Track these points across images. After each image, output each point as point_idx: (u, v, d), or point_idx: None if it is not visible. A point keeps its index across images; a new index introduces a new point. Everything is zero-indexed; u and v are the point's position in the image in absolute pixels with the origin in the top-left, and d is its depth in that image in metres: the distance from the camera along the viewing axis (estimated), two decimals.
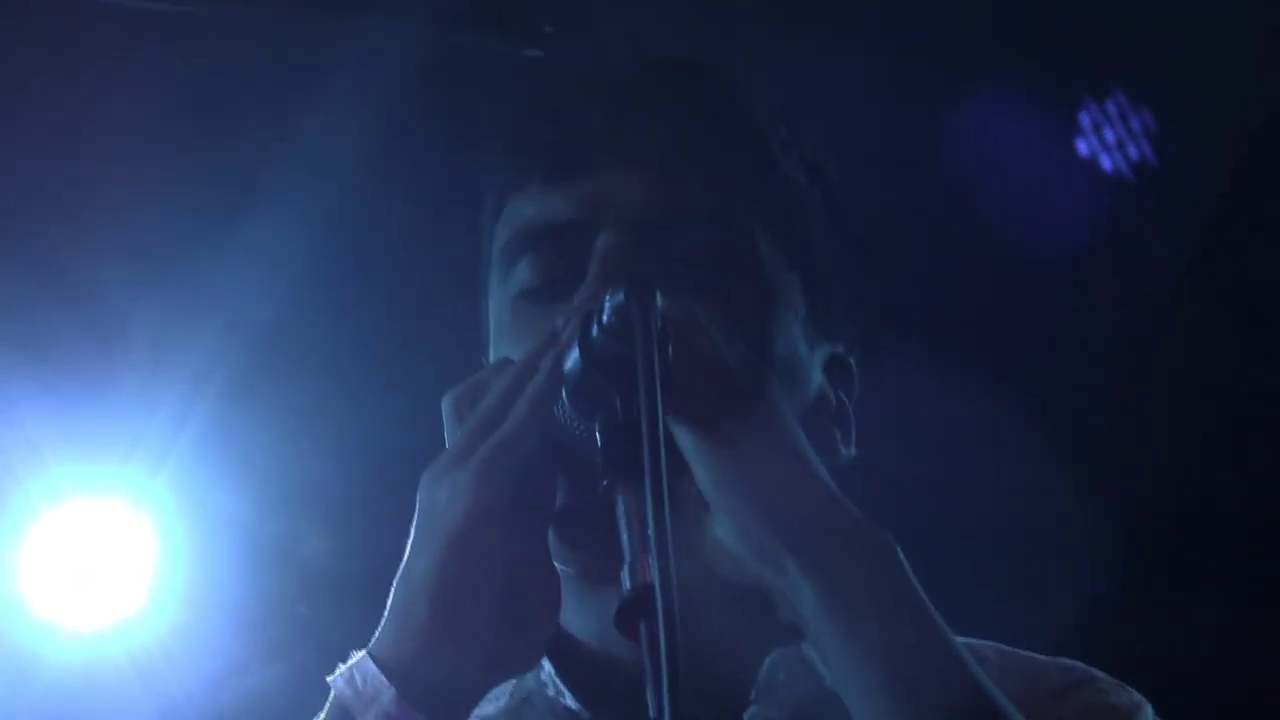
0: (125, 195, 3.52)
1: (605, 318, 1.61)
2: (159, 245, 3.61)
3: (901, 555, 1.66)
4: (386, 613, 1.70)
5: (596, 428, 1.63)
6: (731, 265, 1.86)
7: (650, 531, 1.46)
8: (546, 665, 1.87)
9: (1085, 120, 3.89)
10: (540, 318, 1.83)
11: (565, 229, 1.86)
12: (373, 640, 1.70)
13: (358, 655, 1.68)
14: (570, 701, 1.86)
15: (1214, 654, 3.66)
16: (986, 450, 3.62)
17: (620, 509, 1.54)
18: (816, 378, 1.93)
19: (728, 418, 1.67)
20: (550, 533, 1.76)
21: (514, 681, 1.88)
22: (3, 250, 3.60)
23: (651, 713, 1.39)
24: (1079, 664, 1.91)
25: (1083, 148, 3.90)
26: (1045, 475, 3.69)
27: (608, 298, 1.62)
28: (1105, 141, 3.89)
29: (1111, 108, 3.87)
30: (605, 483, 1.58)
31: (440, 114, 3.45)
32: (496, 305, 1.93)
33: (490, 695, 1.80)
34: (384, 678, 1.64)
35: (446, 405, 1.77)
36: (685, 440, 1.66)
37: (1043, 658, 1.92)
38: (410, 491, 1.73)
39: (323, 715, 1.70)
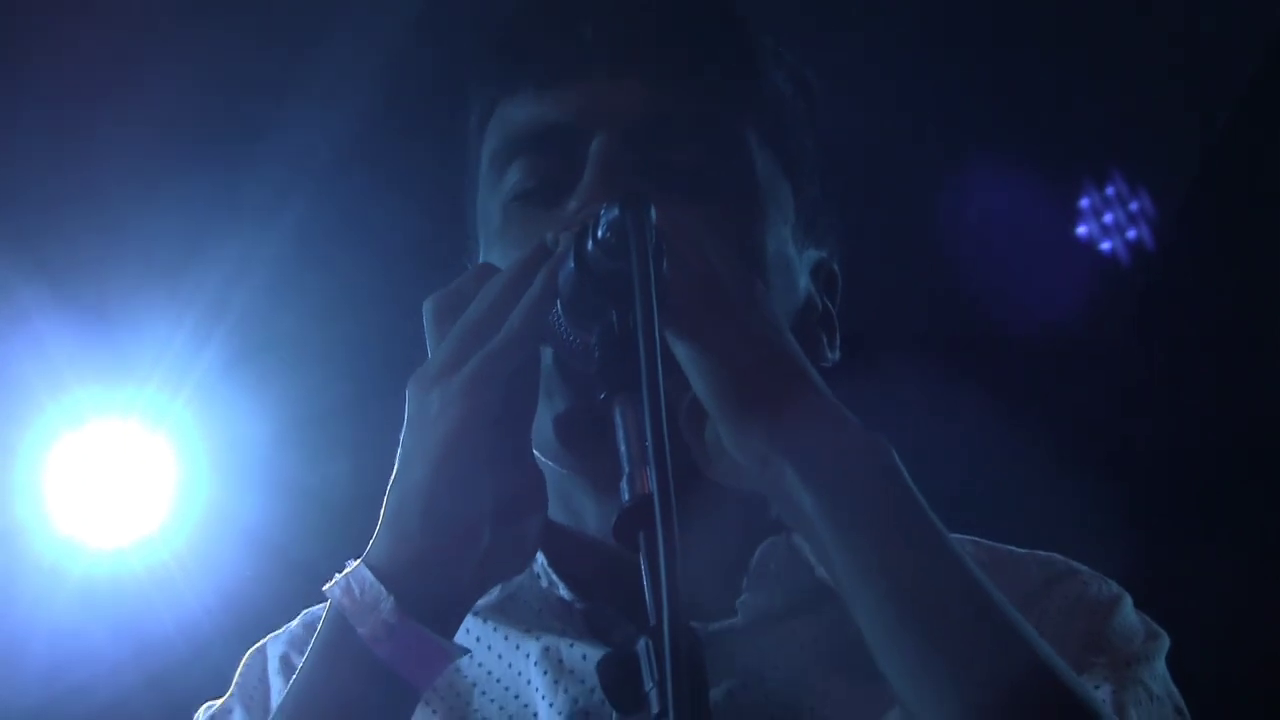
0: (145, 120, 3.45)
1: (600, 232, 1.53)
2: (179, 168, 3.54)
3: (896, 457, 1.59)
4: (380, 521, 1.64)
5: (593, 340, 1.56)
6: (724, 172, 1.80)
7: (649, 443, 1.39)
8: (539, 557, 1.81)
9: (1085, 204, 3.84)
10: (534, 220, 1.77)
11: (558, 132, 1.79)
12: (368, 548, 1.63)
13: (353, 564, 1.62)
14: (563, 592, 1.80)
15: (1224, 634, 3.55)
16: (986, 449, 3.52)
17: (618, 420, 1.48)
18: (804, 283, 1.87)
19: (721, 328, 1.60)
20: (551, 437, 1.71)
21: None
22: (26, 179, 3.53)
23: (651, 620, 1.33)
24: (1058, 556, 1.86)
25: (1082, 230, 3.84)
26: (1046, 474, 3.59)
27: (603, 211, 1.54)
28: (1104, 224, 3.83)
29: (1111, 192, 3.81)
30: (602, 395, 1.52)
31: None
32: (487, 210, 1.85)
33: None
34: (382, 586, 1.58)
35: (427, 311, 1.69)
36: (680, 351, 1.60)
37: (1022, 551, 1.87)
38: None
39: (321, 625, 1.64)
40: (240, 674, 1.90)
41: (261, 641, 1.91)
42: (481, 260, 1.85)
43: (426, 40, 3.39)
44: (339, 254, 3.66)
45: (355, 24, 3.36)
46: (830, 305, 1.89)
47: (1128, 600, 1.81)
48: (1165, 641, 1.79)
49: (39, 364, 3.68)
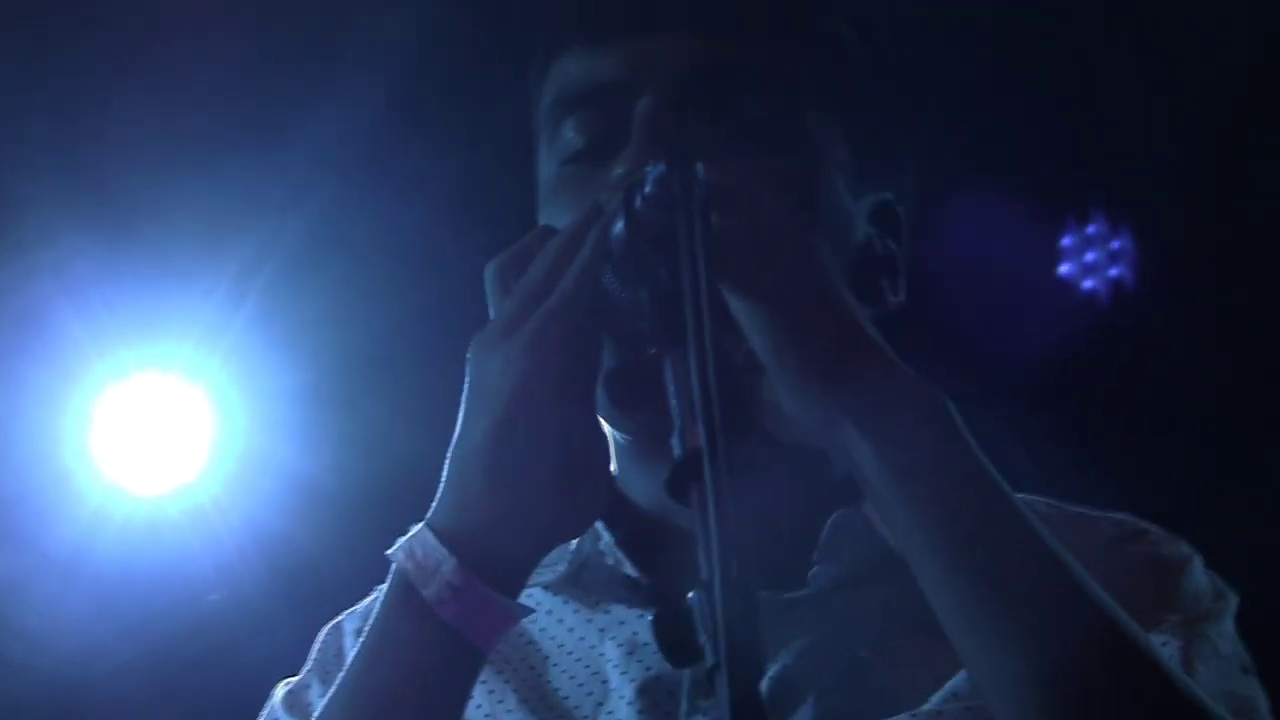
0: (186, 83, 3.32)
1: (648, 188, 1.42)
2: (219, 131, 3.41)
3: (955, 411, 1.45)
4: (442, 484, 1.51)
5: (644, 296, 1.44)
6: (773, 125, 1.64)
7: (697, 397, 1.27)
8: (605, 535, 1.68)
9: (1067, 243, 3.67)
10: (586, 181, 1.62)
11: (608, 89, 1.64)
12: (430, 512, 1.51)
13: (416, 528, 1.50)
14: (629, 569, 1.67)
15: None
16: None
17: (669, 375, 1.36)
18: (862, 228, 1.70)
19: (775, 281, 1.46)
20: (602, 396, 1.57)
21: (570, 550, 1.69)
22: (68, 150, 3.41)
23: (702, 574, 1.20)
24: (1130, 517, 1.71)
25: (1064, 269, 3.67)
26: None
27: (649, 168, 1.42)
28: (1085, 263, 3.66)
29: (1092, 230, 3.64)
30: (654, 350, 1.40)
31: None
32: (544, 170, 1.71)
33: (546, 563, 1.60)
34: (444, 549, 1.46)
35: (490, 274, 1.56)
36: (737, 306, 1.46)
37: (1094, 512, 1.71)
38: (463, 357, 1.55)
39: (384, 588, 1.52)
40: (317, 649, 1.77)
41: (338, 618, 1.78)
42: (540, 217, 1.71)
43: (460, 8, 3.26)
44: (377, 208, 3.54)
45: None
46: (894, 246, 1.73)
47: (1197, 560, 1.67)
48: (1234, 600, 1.65)
49: (85, 322, 3.57)
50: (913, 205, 1.77)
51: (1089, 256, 3.68)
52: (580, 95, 1.66)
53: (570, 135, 1.67)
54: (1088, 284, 3.69)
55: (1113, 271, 3.67)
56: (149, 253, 3.52)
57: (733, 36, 1.65)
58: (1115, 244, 3.66)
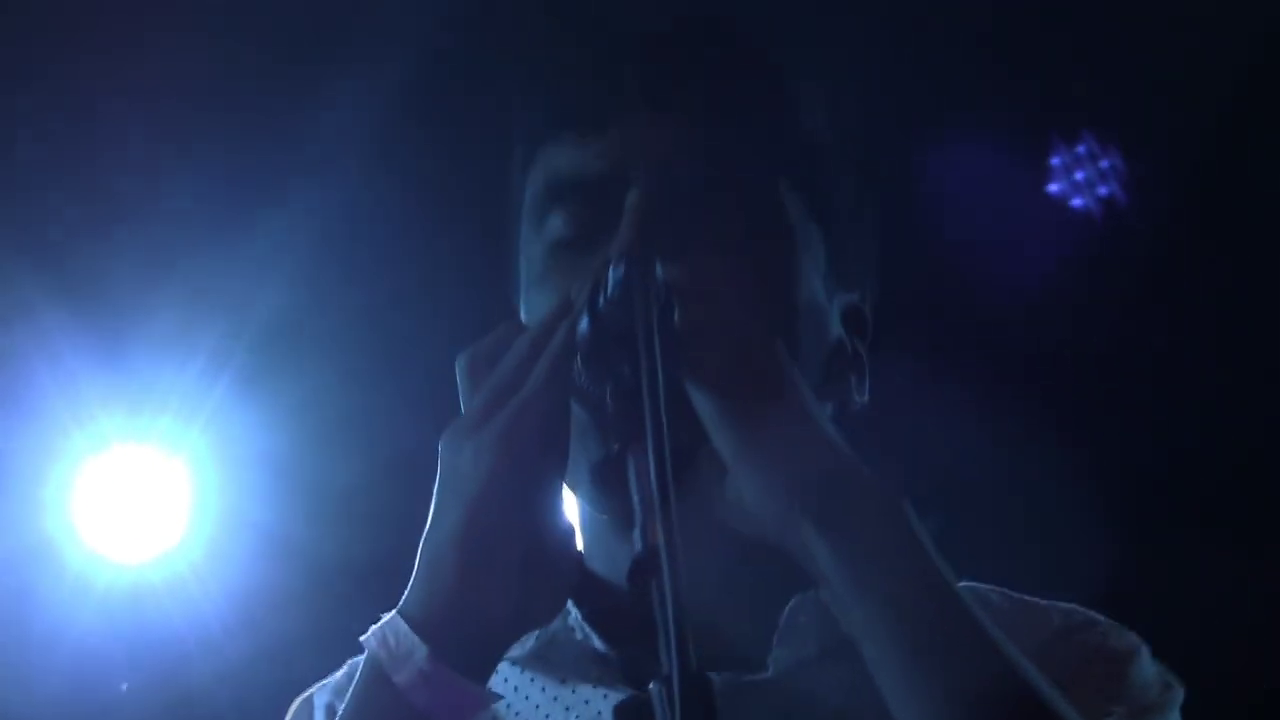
0: (160, 143, 3.34)
1: (609, 289, 1.48)
2: (191, 201, 3.44)
3: (910, 511, 1.51)
4: (415, 573, 1.56)
5: (607, 392, 1.49)
6: (757, 219, 1.69)
7: (655, 495, 1.33)
8: (574, 611, 1.72)
9: (1056, 162, 3.67)
10: (573, 268, 1.67)
11: (596, 182, 1.68)
12: (402, 599, 1.56)
13: (388, 615, 1.55)
14: (598, 644, 1.71)
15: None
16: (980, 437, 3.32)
17: (630, 472, 1.41)
18: (835, 327, 1.76)
19: (739, 382, 1.52)
20: (591, 485, 1.63)
21: None
22: (46, 222, 3.44)
23: (663, 669, 1.27)
24: (1079, 608, 1.76)
25: (1053, 188, 3.67)
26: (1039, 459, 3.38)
27: (610, 270, 1.49)
28: (1075, 181, 3.66)
29: (1082, 149, 3.66)
30: (617, 446, 1.45)
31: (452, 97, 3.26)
32: (529, 253, 1.75)
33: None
34: (415, 636, 1.51)
35: (461, 366, 1.61)
36: (700, 404, 1.51)
37: (1044, 602, 1.77)
38: (437, 428, 1.59)
39: (358, 675, 1.56)
40: None
41: (308, 691, 1.82)
42: (524, 299, 1.76)
43: (445, 68, 3.28)
44: (348, 282, 3.57)
45: (368, 55, 3.25)
46: (860, 348, 1.79)
47: (1145, 651, 1.72)
48: (1180, 693, 1.70)
49: (66, 395, 3.60)
50: (872, 308, 1.83)
51: (1078, 175, 3.64)
52: (569, 187, 1.70)
53: (559, 225, 1.71)
54: (1077, 202, 3.65)
55: (1102, 190, 3.63)
56: (128, 326, 3.55)
57: (718, 129, 1.69)
58: (1105, 162, 3.62)
